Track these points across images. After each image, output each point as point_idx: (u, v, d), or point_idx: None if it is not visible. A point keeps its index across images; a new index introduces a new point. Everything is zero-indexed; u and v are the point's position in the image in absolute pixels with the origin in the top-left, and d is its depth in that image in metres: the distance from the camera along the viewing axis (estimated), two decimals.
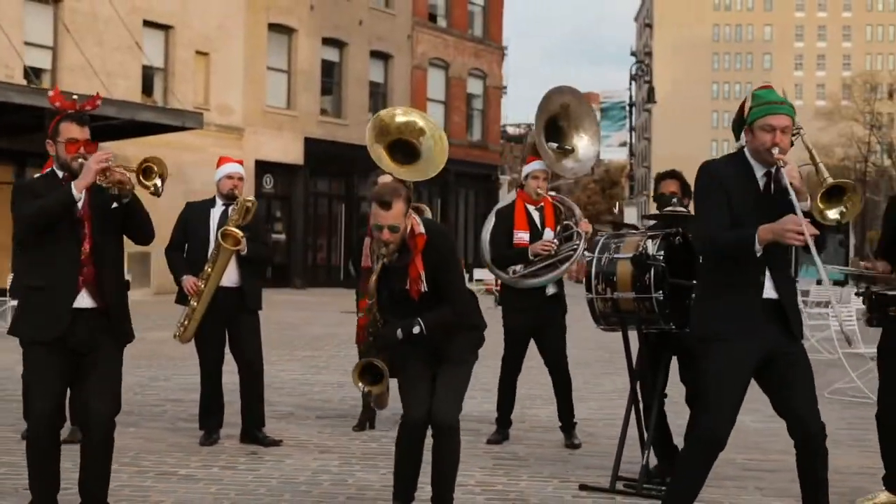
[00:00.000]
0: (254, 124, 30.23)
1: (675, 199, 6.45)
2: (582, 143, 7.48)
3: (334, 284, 32.89)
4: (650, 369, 6.28)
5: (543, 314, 7.32)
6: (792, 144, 4.66)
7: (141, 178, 4.83)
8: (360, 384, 5.16)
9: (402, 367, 5.13)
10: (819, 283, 21.61)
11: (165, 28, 27.63)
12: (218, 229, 7.12)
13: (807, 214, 4.41)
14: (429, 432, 5.13)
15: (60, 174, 4.96)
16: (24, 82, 22.93)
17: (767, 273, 4.58)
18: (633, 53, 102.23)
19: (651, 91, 34.92)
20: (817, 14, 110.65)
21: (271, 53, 31.50)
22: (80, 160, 4.84)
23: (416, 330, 4.98)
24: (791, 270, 4.62)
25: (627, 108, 57.35)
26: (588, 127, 7.46)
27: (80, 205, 4.84)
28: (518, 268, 7.28)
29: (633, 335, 6.34)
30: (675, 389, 6.39)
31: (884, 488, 5.88)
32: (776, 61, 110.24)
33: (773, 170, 4.56)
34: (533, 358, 7.65)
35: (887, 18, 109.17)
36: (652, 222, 6.83)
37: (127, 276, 5.29)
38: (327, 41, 33.45)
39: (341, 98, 34.26)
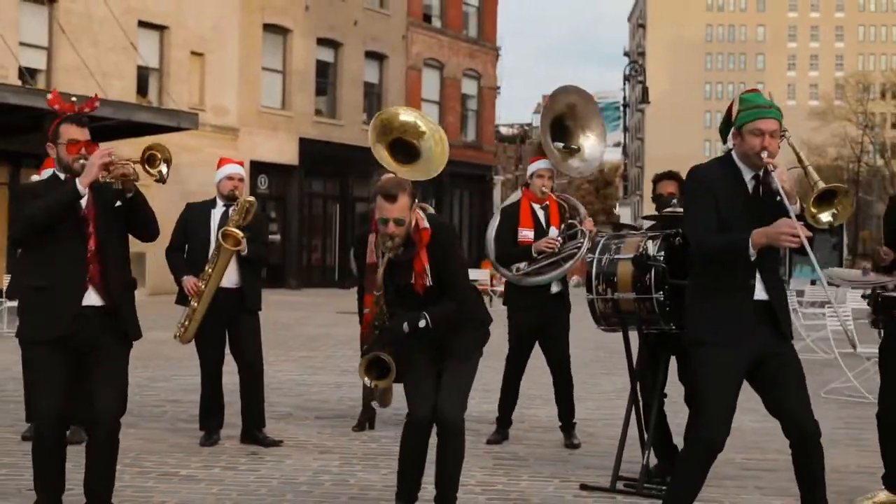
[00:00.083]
0: (249, 125, 30.22)
1: (674, 200, 6.48)
2: (588, 143, 7.51)
3: (329, 285, 32.91)
4: (650, 369, 6.30)
5: (547, 312, 7.35)
6: (778, 147, 4.70)
7: (146, 166, 4.85)
8: (366, 378, 5.16)
9: (407, 365, 5.14)
10: (813, 283, 21.69)
11: (160, 28, 27.60)
12: (218, 230, 7.13)
13: (798, 217, 4.45)
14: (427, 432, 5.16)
15: (62, 176, 4.97)
16: (20, 83, 22.91)
17: (758, 275, 4.61)
18: (626, 54, 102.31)
19: (645, 91, 34.95)
20: (810, 14, 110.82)
21: (266, 54, 31.49)
22: (81, 161, 4.86)
23: (422, 323, 5.00)
24: (780, 271, 4.65)
25: (621, 108, 57.40)
26: (595, 127, 7.49)
27: (83, 204, 4.86)
28: (522, 265, 7.31)
29: (632, 335, 6.37)
30: (675, 389, 6.41)
31: (883, 487, 5.92)
32: (769, 61, 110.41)
33: (762, 173, 4.59)
34: (532, 357, 7.67)
35: (879, 19, 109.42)
36: (650, 223, 6.86)
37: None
38: (322, 41, 33.45)
39: (336, 98, 34.26)
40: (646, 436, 6.19)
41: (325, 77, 34.01)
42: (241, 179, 7.46)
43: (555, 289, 7.34)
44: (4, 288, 9.23)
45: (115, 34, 25.17)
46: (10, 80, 22.68)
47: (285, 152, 31.63)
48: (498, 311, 6.57)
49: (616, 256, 6.09)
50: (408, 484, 5.20)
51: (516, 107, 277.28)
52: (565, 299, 7.44)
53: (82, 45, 24.51)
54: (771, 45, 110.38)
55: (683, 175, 6.52)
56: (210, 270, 7.06)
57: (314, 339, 15.63)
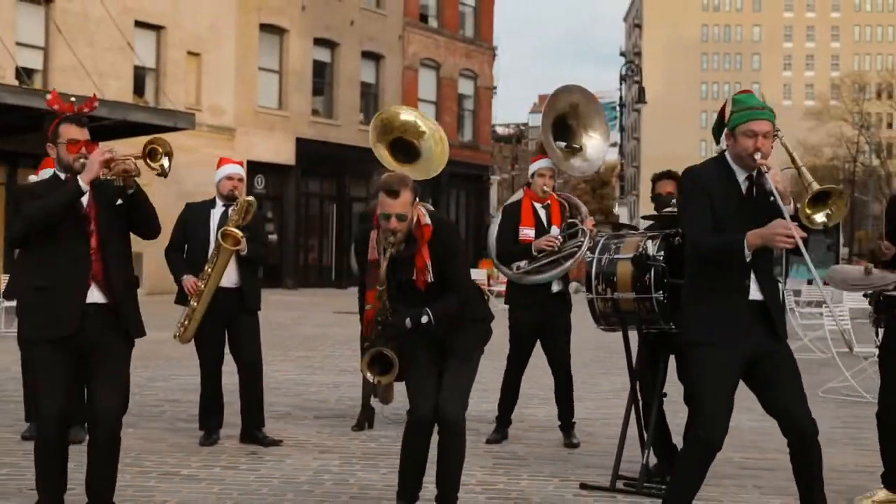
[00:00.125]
0: (245, 125, 30.22)
1: (673, 200, 6.49)
2: (591, 143, 7.53)
3: (326, 285, 32.93)
4: (649, 368, 6.32)
5: (548, 311, 7.37)
6: (772, 147, 4.72)
7: (147, 161, 4.86)
8: (369, 374, 5.16)
9: (408, 363, 5.15)
10: (810, 282, 21.73)
11: (157, 28, 27.61)
12: (218, 230, 7.14)
13: (792, 218, 4.47)
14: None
15: (63, 176, 4.98)
16: (16, 83, 22.91)
17: (752, 276, 4.63)
18: (622, 54, 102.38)
19: (641, 91, 35.00)
20: (806, 14, 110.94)
21: (263, 54, 31.50)
22: (82, 160, 4.88)
23: (424, 319, 5.01)
24: (776, 271, 4.67)
25: (618, 108, 57.46)
26: (598, 126, 7.51)
27: (84, 202, 4.88)
28: (522, 264, 7.33)
29: (632, 335, 6.39)
30: (674, 388, 6.43)
31: (882, 486, 5.94)
32: (765, 62, 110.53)
33: (756, 174, 4.61)
34: (532, 357, 7.68)
35: (875, 19, 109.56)
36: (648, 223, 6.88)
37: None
38: (319, 41, 33.46)
39: (333, 98, 34.27)
40: (646, 435, 6.21)
41: (321, 77, 34.02)
42: (240, 179, 7.47)
43: (556, 288, 7.36)
44: (2, 288, 9.22)
45: (111, 34, 25.17)
46: (6, 80, 22.68)
47: (282, 152, 31.64)
48: (498, 311, 6.58)
49: (616, 256, 6.10)
50: (409, 483, 5.21)
51: (513, 107, 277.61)
52: (567, 298, 7.45)
53: (79, 45, 24.51)
54: (767, 45, 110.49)
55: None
56: (209, 270, 7.07)
57: (312, 339, 15.64)
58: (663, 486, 5.86)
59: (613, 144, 60.03)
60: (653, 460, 6.27)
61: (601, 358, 13.24)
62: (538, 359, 7.77)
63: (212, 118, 28.55)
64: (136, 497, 5.68)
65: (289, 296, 27.84)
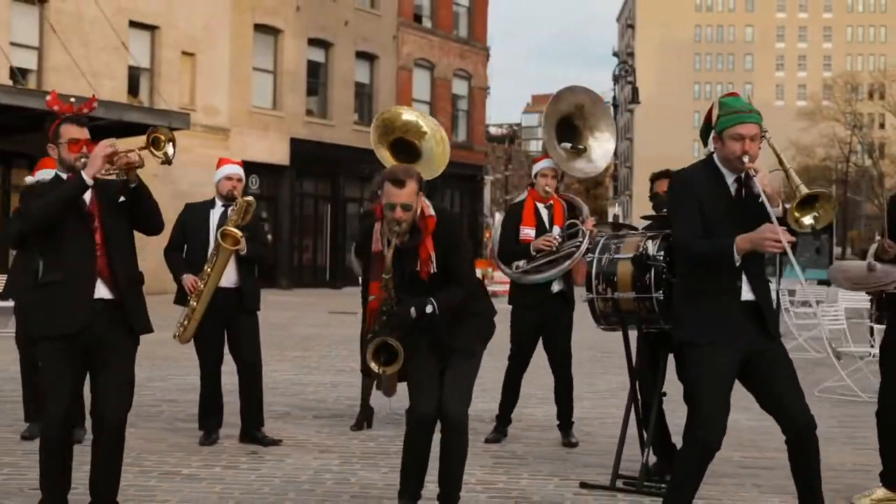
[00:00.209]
0: (240, 125, 30.20)
1: None
2: (595, 144, 7.54)
3: (320, 285, 32.92)
4: (649, 368, 6.35)
5: (549, 311, 7.39)
6: (759, 148, 4.76)
7: (152, 149, 4.88)
8: (373, 364, 5.16)
9: (410, 360, 5.16)
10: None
11: (151, 28, 27.56)
12: (217, 230, 7.16)
13: (780, 221, 4.51)
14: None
15: (64, 176, 5.00)
16: (10, 83, 22.86)
17: (744, 277, 4.67)
18: (615, 54, 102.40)
19: (635, 91, 35.05)
20: (798, 15, 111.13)
21: (257, 54, 31.47)
22: (83, 159, 4.89)
23: (429, 309, 5.02)
24: (768, 271, 4.71)
25: (611, 108, 57.53)
26: (604, 128, 7.53)
27: (87, 200, 4.89)
28: (521, 263, 7.36)
29: (631, 334, 6.42)
30: (674, 388, 6.46)
31: (881, 484, 5.97)
32: (758, 62, 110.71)
33: (744, 177, 4.64)
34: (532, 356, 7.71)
35: (867, 19, 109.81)
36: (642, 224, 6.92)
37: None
38: (313, 42, 33.44)
39: (327, 99, 34.26)
40: (645, 435, 6.23)
41: (316, 77, 34.01)
42: (239, 180, 7.48)
43: (556, 288, 7.38)
44: None
45: (105, 34, 25.13)
46: (1, 81, 22.63)
47: (276, 152, 31.62)
48: (500, 310, 6.60)
49: (616, 256, 6.13)
50: (411, 481, 5.22)
51: (506, 107, 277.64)
52: (568, 298, 7.47)
53: (73, 45, 24.47)
54: (759, 45, 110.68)
55: None
56: (209, 270, 7.08)
57: (308, 339, 15.65)
58: (663, 485, 5.89)
59: None
60: (652, 459, 6.30)
61: (597, 358, 13.28)
62: (536, 358, 7.78)
63: (206, 118, 28.52)
64: (137, 497, 5.69)
65: (283, 296, 27.83)
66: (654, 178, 7.02)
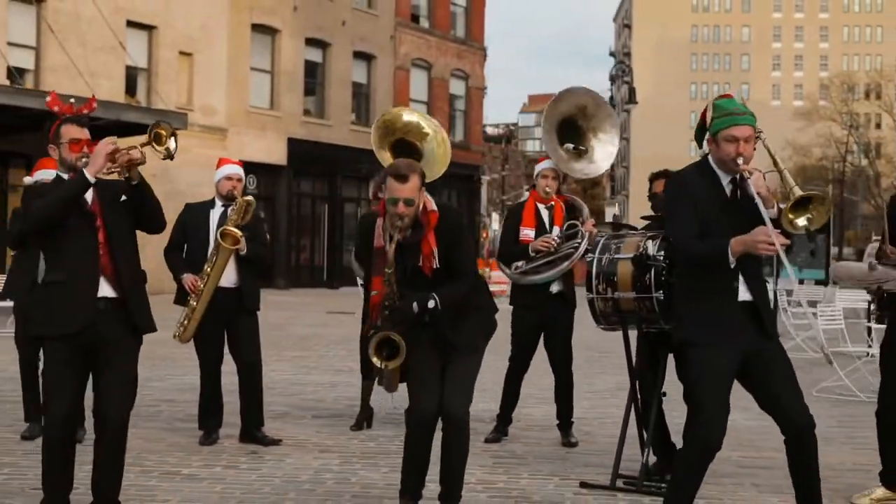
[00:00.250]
0: (237, 125, 30.21)
1: None
2: (598, 145, 7.55)
3: (317, 285, 32.94)
4: (649, 368, 6.37)
5: (548, 312, 7.41)
6: (754, 149, 4.78)
7: (154, 145, 4.89)
8: (375, 359, 5.16)
9: (411, 357, 5.16)
10: (802, 282, 21.83)
11: (149, 28, 27.57)
12: (217, 230, 7.17)
13: (775, 222, 4.53)
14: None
15: (66, 176, 5.00)
16: (8, 82, 22.87)
17: (741, 277, 4.68)
18: (612, 54, 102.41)
19: (632, 91, 35.08)
20: (794, 15, 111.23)
21: (254, 54, 31.50)
22: (84, 159, 4.90)
23: (431, 304, 5.03)
24: (764, 271, 4.73)
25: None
26: (608, 129, 7.53)
27: (89, 199, 4.90)
28: (520, 264, 7.38)
29: (631, 334, 6.43)
30: (674, 388, 6.47)
31: (880, 484, 5.99)
32: (754, 62, 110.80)
33: (739, 179, 4.67)
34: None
35: (864, 19, 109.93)
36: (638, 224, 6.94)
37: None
38: (310, 42, 33.47)
39: (324, 99, 34.28)
40: (645, 434, 6.24)
41: (313, 77, 34.03)
42: (239, 180, 7.49)
43: (555, 288, 7.39)
44: None
45: (103, 34, 25.13)
46: None
47: (274, 152, 31.63)
48: (502, 310, 6.62)
49: (616, 256, 6.14)
50: (413, 480, 5.22)
51: (502, 107, 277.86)
52: (567, 299, 7.47)
53: (70, 44, 24.47)
54: (756, 45, 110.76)
55: None
56: (209, 269, 7.09)
57: (306, 339, 15.66)
58: (663, 485, 5.91)
59: None
60: (652, 459, 6.31)
61: (595, 358, 13.30)
62: (535, 358, 7.80)
63: (203, 118, 28.52)
64: (138, 496, 5.69)
65: (280, 296, 27.84)
66: (653, 178, 7.04)
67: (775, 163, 4.76)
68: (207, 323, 7.16)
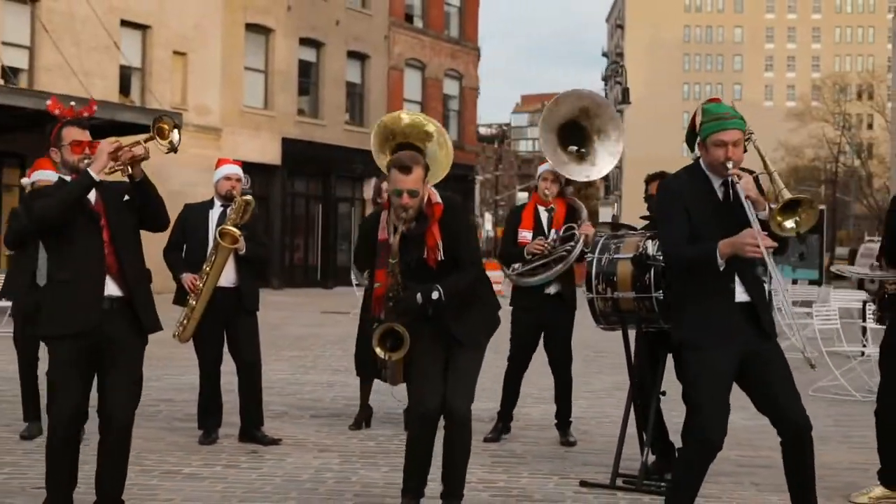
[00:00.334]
0: (231, 124, 30.18)
1: None
2: (601, 147, 7.56)
3: (311, 285, 32.93)
4: (648, 367, 6.39)
5: (546, 313, 7.43)
6: (745, 150, 4.81)
7: (157, 139, 4.91)
8: (379, 349, 5.17)
9: (413, 355, 5.17)
10: (795, 282, 21.89)
11: (143, 28, 27.54)
12: (216, 230, 7.18)
13: (766, 224, 4.56)
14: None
15: (68, 178, 5.01)
16: (2, 82, 22.83)
17: (737, 278, 4.71)
18: (604, 54, 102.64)
19: (625, 92, 35.13)
20: (787, 16, 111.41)
21: (248, 53, 31.47)
22: (86, 160, 4.92)
23: (435, 295, 5.04)
24: (759, 271, 4.75)
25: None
26: (611, 131, 7.54)
27: (92, 200, 4.92)
28: (517, 266, 7.42)
29: (630, 334, 6.46)
30: (673, 387, 6.50)
31: (878, 483, 6.02)
32: (746, 62, 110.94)
33: (730, 183, 4.69)
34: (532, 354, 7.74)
35: (856, 20, 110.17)
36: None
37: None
38: (304, 41, 33.45)
39: (318, 98, 34.27)
40: (645, 435, 6.26)
41: (307, 77, 34.02)
42: (238, 180, 7.50)
43: (553, 290, 7.41)
44: None
45: (97, 33, 25.10)
46: None
47: (268, 152, 31.61)
48: (503, 310, 6.64)
49: (616, 256, 6.18)
50: (415, 478, 5.23)
51: (495, 107, 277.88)
52: (566, 300, 7.49)
53: (64, 44, 24.44)
54: (748, 46, 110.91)
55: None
56: (208, 269, 7.10)
57: (302, 339, 15.67)
58: (662, 484, 5.95)
59: None
60: (651, 458, 6.34)
61: (592, 357, 13.33)
62: (533, 358, 7.83)
63: (198, 118, 28.51)
64: (140, 496, 5.71)
65: (275, 295, 27.82)
66: (649, 179, 7.07)
67: (765, 165, 4.79)
68: (207, 323, 7.18)
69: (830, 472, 6.55)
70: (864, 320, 12.17)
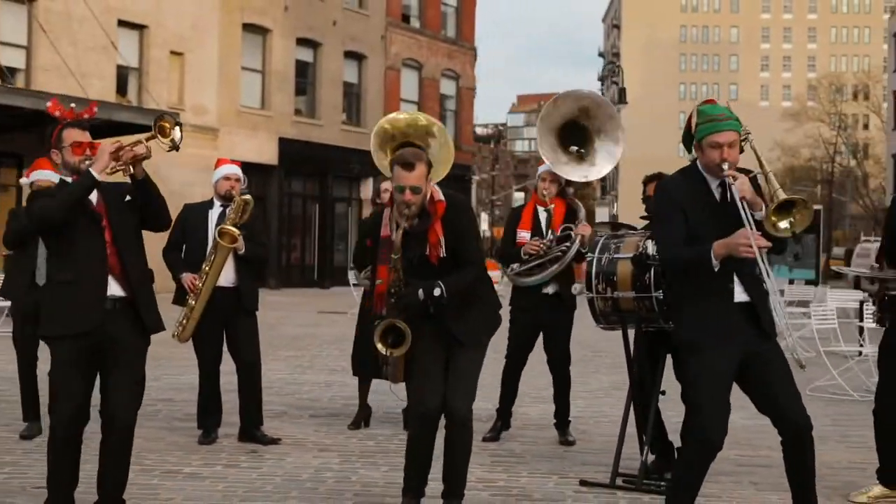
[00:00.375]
0: (228, 124, 30.17)
1: None
2: (601, 148, 7.57)
3: (308, 284, 32.92)
4: (649, 366, 6.41)
5: (543, 313, 7.45)
6: (742, 151, 4.82)
7: (159, 137, 4.92)
8: (380, 345, 5.17)
9: (414, 355, 5.18)
10: (792, 282, 21.94)
11: (140, 28, 27.53)
12: (216, 229, 7.20)
13: (760, 224, 4.58)
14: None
15: (69, 180, 5.01)
16: None
17: (736, 279, 4.72)
18: (601, 54, 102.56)
19: (622, 92, 35.17)
20: (783, 16, 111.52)
21: (245, 53, 31.46)
22: (87, 162, 4.93)
23: (437, 291, 5.04)
24: (757, 270, 4.76)
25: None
26: (610, 131, 7.55)
27: (94, 200, 4.92)
28: (515, 266, 7.44)
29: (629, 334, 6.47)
30: (673, 387, 6.52)
31: (877, 482, 6.04)
32: (742, 62, 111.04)
33: (727, 184, 4.71)
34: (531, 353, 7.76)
35: (852, 20, 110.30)
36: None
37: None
38: (301, 41, 33.45)
39: (315, 98, 34.27)
40: (645, 436, 6.27)
41: (304, 77, 34.02)
42: (237, 180, 7.51)
43: (550, 290, 7.43)
44: None
45: (94, 33, 25.09)
46: None
47: (265, 152, 31.61)
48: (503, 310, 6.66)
49: (616, 256, 6.19)
50: (415, 478, 5.24)
51: (491, 107, 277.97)
52: (564, 300, 7.50)
53: (62, 44, 24.42)
54: (744, 46, 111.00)
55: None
56: (207, 268, 7.11)
57: (299, 339, 15.68)
58: (662, 483, 5.96)
59: None
60: (650, 457, 6.35)
61: (588, 357, 13.34)
62: (531, 358, 7.85)
63: (195, 118, 28.49)
64: (141, 495, 5.71)
65: (272, 295, 27.81)
66: (647, 180, 7.08)
67: (761, 165, 4.80)
68: (206, 322, 7.19)
69: (829, 472, 6.57)
70: (861, 320, 12.20)
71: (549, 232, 7.44)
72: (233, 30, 30.69)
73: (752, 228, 4.53)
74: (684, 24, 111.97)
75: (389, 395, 8.16)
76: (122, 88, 27.24)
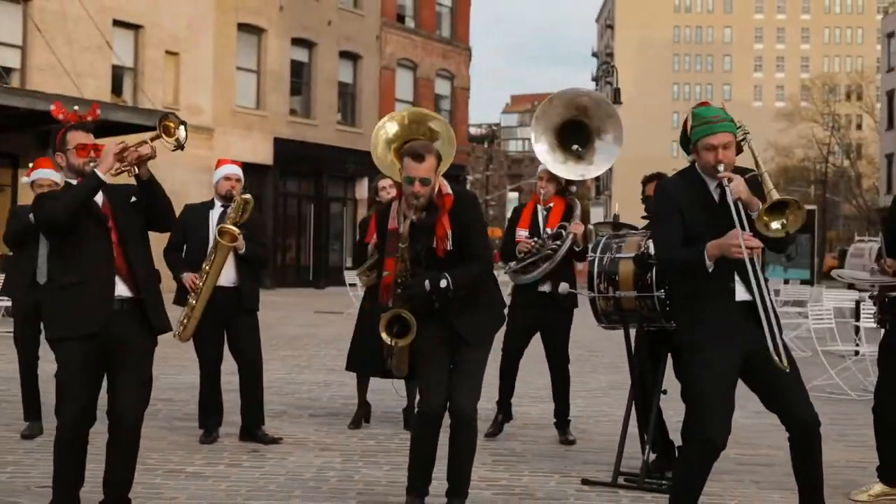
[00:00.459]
0: (223, 124, 30.16)
1: None
2: (600, 146, 7.59)
3: (303, 284, 32.92)
4: (650, 365, 6.43)
5: (539, 311, 7.47)
6: (741, 151, 4.85)
7: (164, 137, 4.93)
8: (385, 336, 5.19)
9: (419, 352, 5.19)
10: (787, 282, 21.99)
11: (135, 28, 27.51)
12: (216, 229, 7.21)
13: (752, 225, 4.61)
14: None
15: (75, 182, 5.02)
16: None
17: (737, 278, 4.73)
18: (594, 54, 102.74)
19: (616, 92, 35.21)
20: (776, 16, 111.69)
21: (241, 53, 31.46)
22: (91, 164, 4.94)
23: (443, 283, 5.05)
24: (749, 269, 4.78)
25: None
26: (609, 129, 7.57)
27: (99, 202, 4.94)
28: (512, 263, 7.49)
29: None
30: (673, 386, 6.54)
31: (878, 480, 6.07)
32: (736, 63, 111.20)
33: (724, 185, 4.74)
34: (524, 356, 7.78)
35: (845, 21, 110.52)
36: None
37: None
38: (296, 41, 33.45)
39: (310, 98, 34.27)
40: (647, 435, 6.29)
41: (299, 77, 34.02)
42: (238, 180, 7.52)
43: (546, 288, 7.45)
44: None
45: (89, 33, 25.07)
46: None
47: (260, 152, 31.60)
48: None
49: (617, 255, 6.22)
50: (419, 477, 5.25)
51: (484, 107, 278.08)
52: (557, 299, 7.49)
53: (57, 44, 24.39)
54: (738, 46, 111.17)
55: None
56: (207, 268, 7.12)
57: (296, 339, 15.68)
58: (663, 482, 5.99)
59: None
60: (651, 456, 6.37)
61: (586, 357, 13.37)
62: (529, 358, 7.87)
63: (190, 118, 28.34)
64: (146, 494, 5.72)
65: (267, 295, 27.67)
66: (646, 180, 7.11)
67: (757, 165, 4.83)
68: (207, 322, 7.19)
69: (829, 471, 6.52)
70: (858, 319, 12.25)
71: (545, 230, 7.48)
72: (228, 30, 30.68)
73: (744, 229, 4.55)
74: (678, 24, 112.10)
75: (389, 394, 8.17)
76: (117, 88, 27.23)
